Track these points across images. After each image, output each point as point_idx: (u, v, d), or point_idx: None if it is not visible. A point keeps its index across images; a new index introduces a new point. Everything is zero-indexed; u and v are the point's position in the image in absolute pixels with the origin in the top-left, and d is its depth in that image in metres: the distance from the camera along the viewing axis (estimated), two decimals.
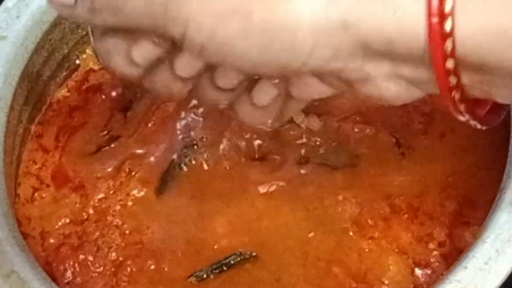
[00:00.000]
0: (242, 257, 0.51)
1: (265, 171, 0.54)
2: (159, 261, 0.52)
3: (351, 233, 0.51)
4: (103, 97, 0.59)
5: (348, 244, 0.50)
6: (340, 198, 0.52)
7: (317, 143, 0.54)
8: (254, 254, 0.51)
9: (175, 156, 0.55)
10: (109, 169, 0.56)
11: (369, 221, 0.51)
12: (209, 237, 0.52)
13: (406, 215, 0.51)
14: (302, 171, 0.54)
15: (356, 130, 0.54)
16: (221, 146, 0.55)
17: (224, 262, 0.51)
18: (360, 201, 0.52)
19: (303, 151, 0.54)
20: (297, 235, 0.51)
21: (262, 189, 0.53)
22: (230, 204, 0.53)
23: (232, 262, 0.51)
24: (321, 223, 0.51)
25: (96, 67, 0.61)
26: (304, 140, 0.54)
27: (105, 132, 0.58)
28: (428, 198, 0.52)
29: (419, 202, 0.51)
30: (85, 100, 0.60)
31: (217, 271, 0.51)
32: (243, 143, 0.55)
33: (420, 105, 0.55)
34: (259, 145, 0.55)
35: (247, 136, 0.55)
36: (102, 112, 0.59)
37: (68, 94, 0.60)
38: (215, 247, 0.52)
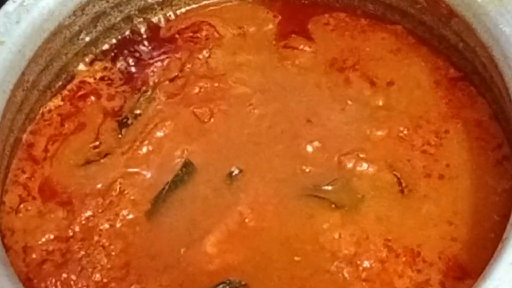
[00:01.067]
0: (231, 286, 0.50)
1: None
2: (145, 286, 0.50)
3: (345, 274, 0.49)
4: (97, 106, 0.59)
5: (341, 284, 0.49)
6: (336, 236, 0.51)
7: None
8: (243, 283, 0.50)
9: (169, 179, 0.54)
10: (99, 186, 0.54)
11: (365, 262, 0.50)
12: (199, 263, 0.51)
13: (403, 259, 0.50)
14: (302, 203, 0.52)
15: (358, 168, 0.53)
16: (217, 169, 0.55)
17: None
18: (357, 240, 0.50)
19: (308, 181, 0.53)
20: (290, 270, 0.50)
21: (256, 216, 0.52)
22: (221, 229, 0.52)
23: None
24: (314, 259, 0.50)
25: (91, 80, 0.60)
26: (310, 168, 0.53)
27: (97, 143, 0.57)
28: (427, 243, 0.50)
29: (418, 247, 0.50)
30: (78, 108, 0.59)
31: None
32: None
33: (425, 145, 0.54)
34: None
35: None
36: (94, 122, 0.58)
37: (61, 103, 0.59)
38: (205, 273, 0.51)
